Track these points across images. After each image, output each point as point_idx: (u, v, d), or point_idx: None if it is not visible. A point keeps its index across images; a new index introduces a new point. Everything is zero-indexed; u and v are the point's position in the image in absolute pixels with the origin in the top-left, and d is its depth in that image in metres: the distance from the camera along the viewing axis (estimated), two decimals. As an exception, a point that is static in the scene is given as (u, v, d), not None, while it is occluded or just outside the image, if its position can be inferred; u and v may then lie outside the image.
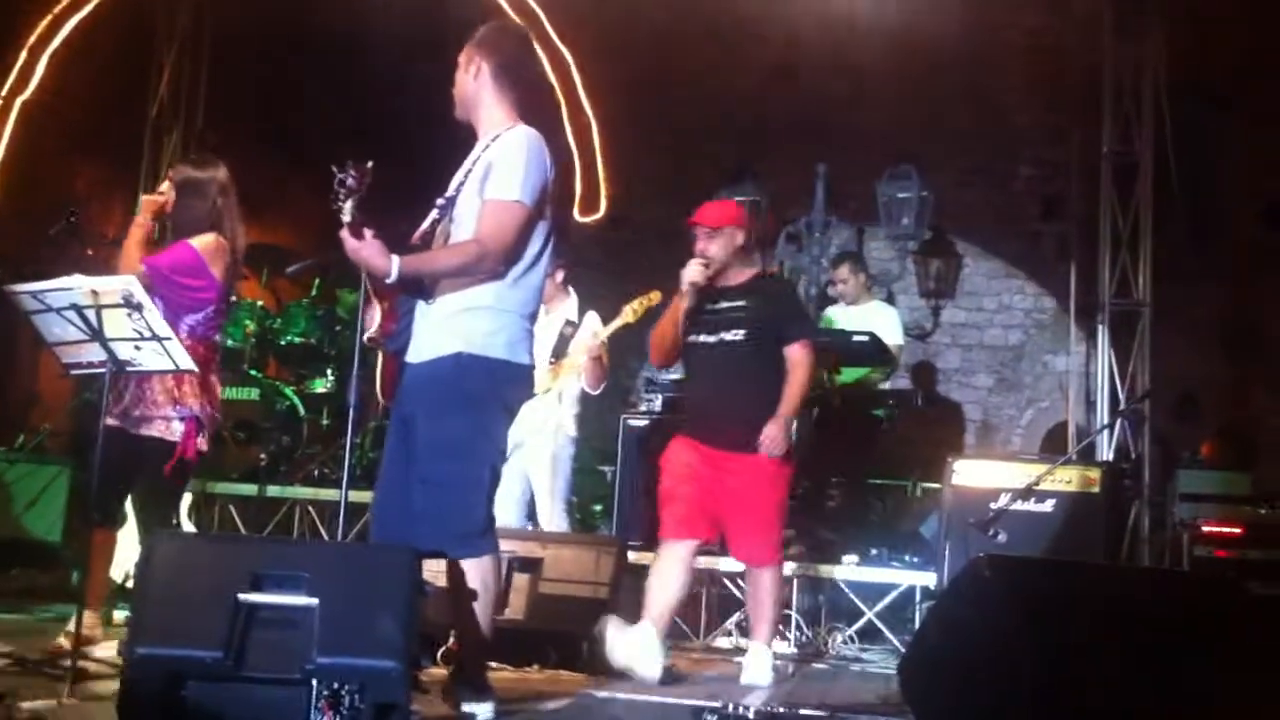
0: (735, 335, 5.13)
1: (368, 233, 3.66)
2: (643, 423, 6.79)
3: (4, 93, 8.90)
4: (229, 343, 7.39)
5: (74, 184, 8.84)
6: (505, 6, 8.93)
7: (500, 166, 3.80)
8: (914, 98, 9.17)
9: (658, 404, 6.86)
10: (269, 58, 8.74)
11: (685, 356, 5.32)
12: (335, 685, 3.29)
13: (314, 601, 3.36)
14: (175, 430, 4.76)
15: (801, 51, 8.99)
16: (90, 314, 4.12)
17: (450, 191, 3.94)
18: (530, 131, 3.91)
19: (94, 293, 4.11)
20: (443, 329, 3.81)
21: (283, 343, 7.53)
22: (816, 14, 8.57)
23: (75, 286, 4.14)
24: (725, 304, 5.18)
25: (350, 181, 3.62)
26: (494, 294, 3.81)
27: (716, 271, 5.16)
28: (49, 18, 9.01)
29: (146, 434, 4.72)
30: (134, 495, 4.84)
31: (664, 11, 8.98)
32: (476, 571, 3.76)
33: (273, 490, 7.02)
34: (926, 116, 9.26)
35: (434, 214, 3.94)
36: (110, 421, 4.66)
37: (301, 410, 7.42)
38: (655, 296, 6.28)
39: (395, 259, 3.70)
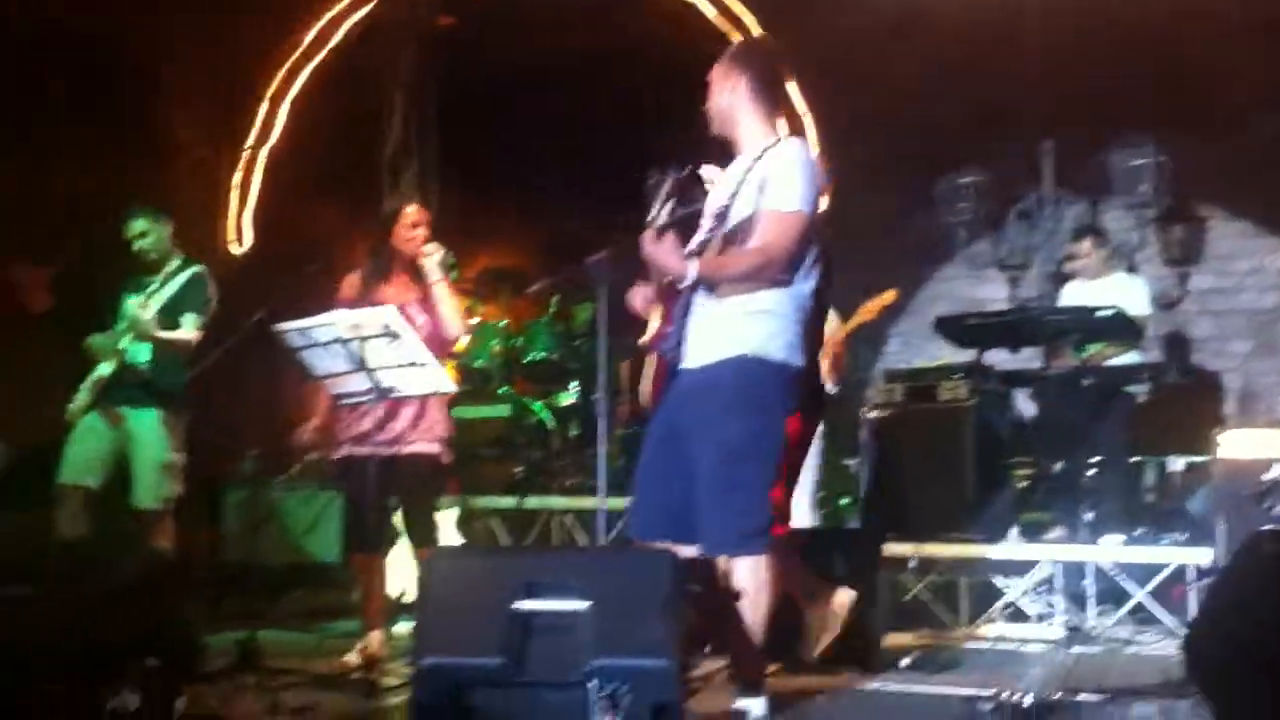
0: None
1: (669, 236, 3.81)
2: (884, 414, 6.71)
3: (250, 143, 9.47)
4: (477, 363, 7.69)
5: (318, 225, 9.28)
6: (711, 17, 9.02)
7: (778, 178, 3.88)
8: (1134, 63, 8.81)
9: (898, 394, 6.77)
10: (494, 92, 9.01)
11: None
12: (612, 686, 3.37)
13: (585, 606, 3.47)
14: (441, 447, 5.03)
15: (1011, 25, 8.75)
16: (353, 346, 4.36)
17: (721, 203, 4.01)
18: (802, 143, 4.01)
19: (355, 326, 4.34)
20: (723, 334, 3.89)
21: (526, 360, 7.78)
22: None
23: (337, 321, 4.38)
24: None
25: (670, 186, 3.83)
26: (773, 299, 3.89)
27: None
28: (285, 68, 9.55)
29: (422, 452, 4.97)
30: (405, 512, 5.11)
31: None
32: (756, 570, 3.82)
33: (530, 502, 7.23)
34: (1150, 83, 8.87)
35: (708, 227, 4.03)
36: (363, 450, 4.93)
37: (550, 423, 7.65)
38: (890, 295, 6.28)
39: (692, 262, 3.86)
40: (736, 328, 3.88)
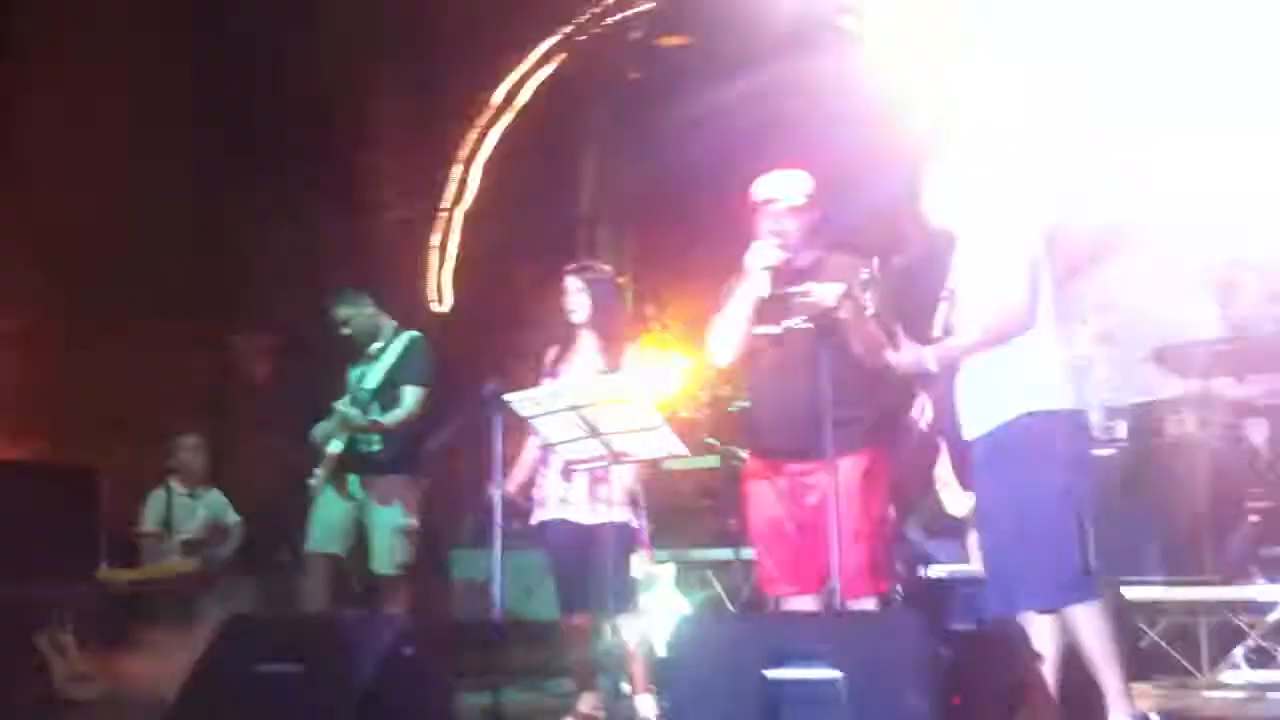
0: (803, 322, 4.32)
1: (900, 339, 3.97)
2: (1107, 453, 6.49)
3: (446, 206, 9.74)
4: (683, 413, 7.70)
5: (516, 282, 9.45)
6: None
7: (983, 240, 4.07)
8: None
9: (1120, 431, 6.56)
10: (685, 137, 9.09)
11: (748, 353, 4.53)
12: (871, 757, 3.31)
13: (838, 674, 3.42)
14: (634, 516, 5.11)
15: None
16: (586, 412, 4.41)
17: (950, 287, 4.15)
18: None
19: (587, 392, 4.39)
20: (998, 394, 3.97)
21: (733, 409, 7.74)
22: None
23: (568, 389, 4.45)
24: (790, 289, 4.41)
25: (866, 275, 3.93)
26: (1031, 346, 3.96)
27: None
28: (475, 132, 9.80)
29: (611, 520, 4.95)
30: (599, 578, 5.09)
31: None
32: (1086, 619, 3.88)
33: (746, 554, 7.17)
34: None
35: (945, 311, 4.13)
36: (556, 515, 5.07)
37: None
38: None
39: (927, 351, 4.00)
40: (1005, 386, 3.96)
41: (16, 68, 7.54)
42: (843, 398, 4.23)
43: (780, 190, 4.48)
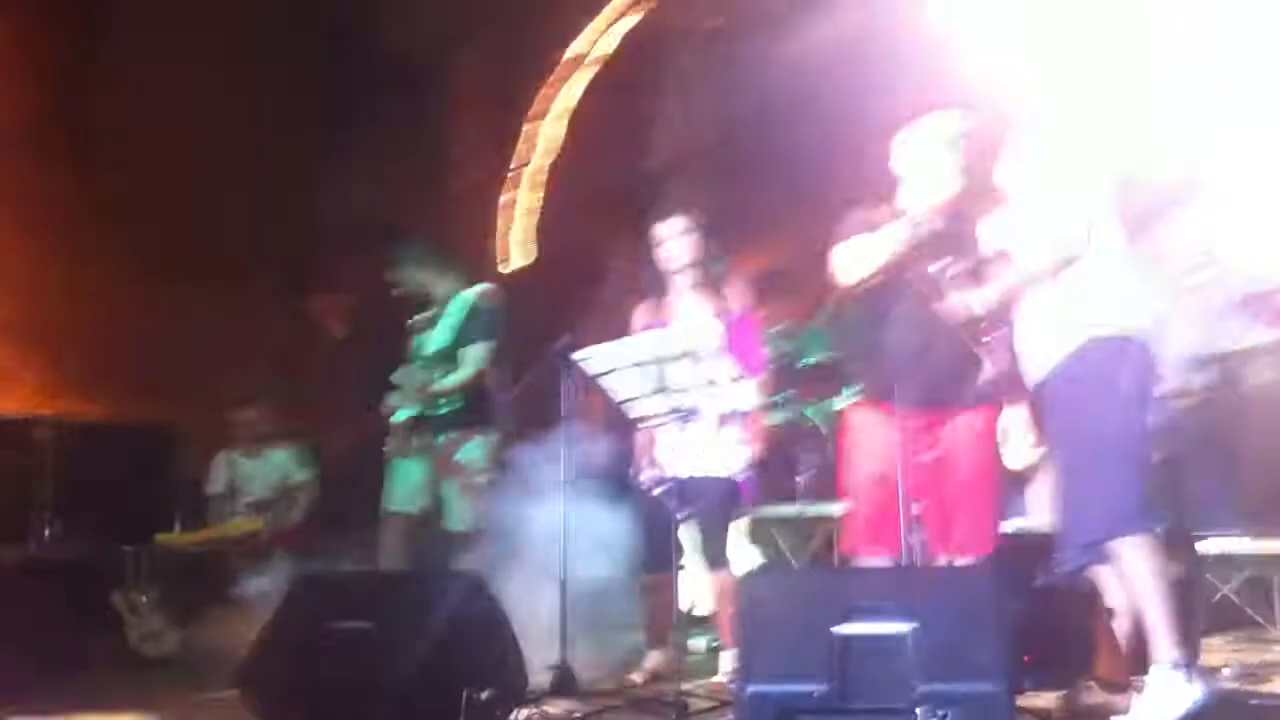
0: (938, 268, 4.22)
1: (942, 288, 4.02)
2: (1188, 403, 6.35)
3: (514, 166, 9.74)
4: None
5: (594, 238, 9.41)
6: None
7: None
8: None
9: (1200, 382, 6.41)
10: (760, 91, 8.99)
11: (872, 297, 4.36)
12: (940, 713, 3.29)
13: (908, 628, 3.39)
14: (736, 468, 5.04)
15: None
16: (655, 368, 4.36)
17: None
18: None
19: (658, 347, 4.35)
20: (1062, 329, 3.89)
21: (800, 365, 7.69)
22: None
23: (639, 344, 4.41)
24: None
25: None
26: (1089, 275, 3.88)
27: None
28: (546, 90, 9.77)
29: (716, 475, 4.97)
30: (701, 532, 5.08)
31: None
32: (1135, 552, 3.77)
33: (811, 511, 7.12)
34: None
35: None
36: (660, 473, 5.03)
37: (825, 428, 7.53)
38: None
39: (971, 295, 4.01)
40: (1066, 320, 3.89)
41: (94, 35, 7.59)
42: (969, 352, 4.25)
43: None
